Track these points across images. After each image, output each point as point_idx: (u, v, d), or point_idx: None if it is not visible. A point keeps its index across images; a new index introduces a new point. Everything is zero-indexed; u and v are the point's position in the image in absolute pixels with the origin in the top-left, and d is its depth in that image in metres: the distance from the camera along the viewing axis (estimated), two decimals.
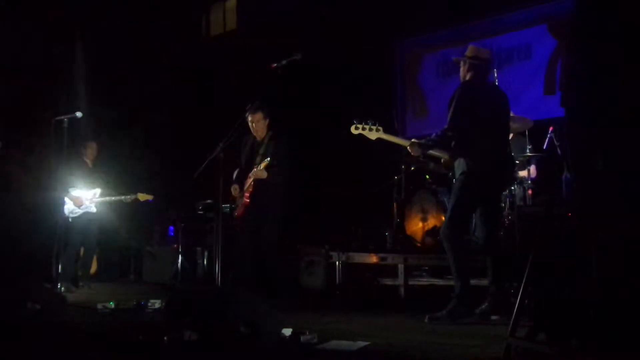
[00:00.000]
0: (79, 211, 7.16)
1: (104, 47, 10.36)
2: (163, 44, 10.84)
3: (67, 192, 7.07)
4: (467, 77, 4.73)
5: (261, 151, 6.06)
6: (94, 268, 8.17)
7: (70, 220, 7.11)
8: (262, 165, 5.77)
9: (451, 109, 4.58)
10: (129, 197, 7.17)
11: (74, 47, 10.13)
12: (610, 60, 2.43)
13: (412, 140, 4.74)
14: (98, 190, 7.26)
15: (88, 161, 7.44)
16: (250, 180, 5.93)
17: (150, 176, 8.23)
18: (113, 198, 7.23)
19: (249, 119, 6.03)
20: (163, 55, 10.79)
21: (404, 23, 9.01)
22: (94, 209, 7.24)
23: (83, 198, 7.16)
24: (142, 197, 7.19)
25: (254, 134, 6.16)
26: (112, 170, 7.69)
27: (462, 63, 4.78)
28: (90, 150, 7.43)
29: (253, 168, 5.95)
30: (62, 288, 6.70)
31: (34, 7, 9.56)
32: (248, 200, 5.93)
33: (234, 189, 6.12)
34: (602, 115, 2.41)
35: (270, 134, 6.15)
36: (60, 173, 6.91)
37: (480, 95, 4.68)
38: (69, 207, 7.12)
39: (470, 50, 4.80)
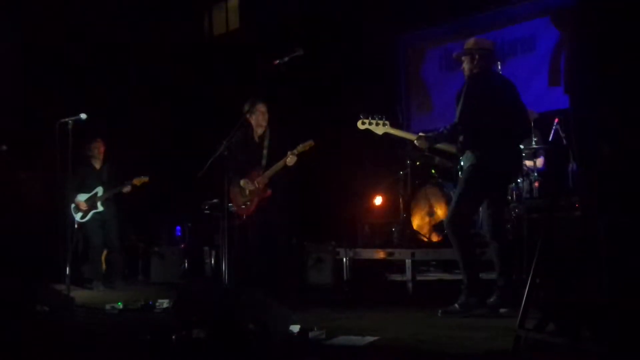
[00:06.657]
0: (87, 216, 7.24)
1: (105, 47, 10.35)
2: (165, 43, 10.83)
3: (75, 197, 7.13)
4: (475, 70, 4.68)
5: (265, 144, 5.95)
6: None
7: (81, 223, 7.19)
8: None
9: (460, 103, 4.56)
10: (126, 186, 7.19)
11: (76, 47, 10.10)
12: (612, 45, 2.41)
13: (420, 133, 4.73)
14: (100, 189, 7.29)
15: (96, 162, 7.42)
16: (262, 180, 5.81)
17: (153, 175, 8.18)
18: (113, 191, 7.26)
19: (262, 109, 5.90)
20: (166, 55, 10.78)
21: (405, 17, 8.96)
22: (100, 208, 7.27)
23: (86, 203, 7.21)
24: (139, 181, 7.22)
25: (258, 126, 5.98)
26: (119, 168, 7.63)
27: (464, 58, 4.74)
28: (97, 151, 7.40)
29: (261, 162, 5.85)
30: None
31: (35, 7, 9.56)
32: (260, 199, 5.82)
33: (246, 183, 5.87)
34: (606, 98, 2.40)
35: (268, 127, 6.04)
36: (68, 178, 6.91)
37: (488, 86, 4.64)
38: (79, 212, 7.21)
39: (472, 42, 4.75)
